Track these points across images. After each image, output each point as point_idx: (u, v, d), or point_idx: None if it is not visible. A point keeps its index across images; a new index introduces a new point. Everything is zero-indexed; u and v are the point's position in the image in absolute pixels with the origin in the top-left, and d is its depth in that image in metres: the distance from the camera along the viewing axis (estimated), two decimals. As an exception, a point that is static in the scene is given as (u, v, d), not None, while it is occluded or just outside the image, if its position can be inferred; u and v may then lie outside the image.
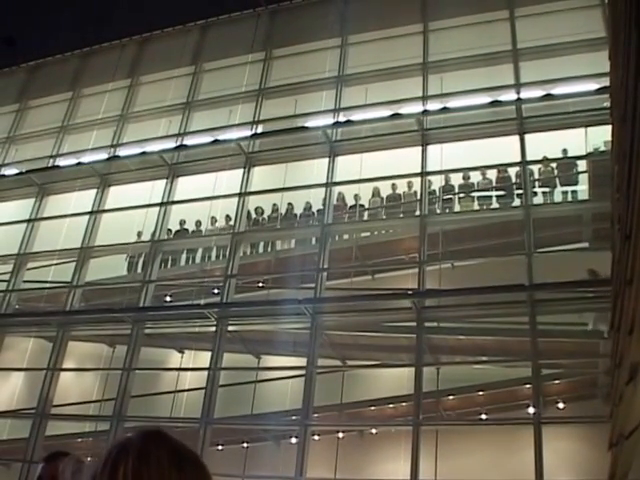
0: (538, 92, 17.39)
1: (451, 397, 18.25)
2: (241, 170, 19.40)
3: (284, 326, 17.65)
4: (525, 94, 17.31)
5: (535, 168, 17.62)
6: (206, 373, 16.87)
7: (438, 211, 18.37)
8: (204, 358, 17.97)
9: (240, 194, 19.00)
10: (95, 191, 21.29)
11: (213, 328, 17.42)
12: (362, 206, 19.50)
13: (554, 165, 17.95)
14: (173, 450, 1.73)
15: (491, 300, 15.19)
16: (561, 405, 17.16)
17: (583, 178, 17.06)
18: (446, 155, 17.46)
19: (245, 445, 19.35)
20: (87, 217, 20.72)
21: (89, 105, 23.69)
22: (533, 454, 13.31)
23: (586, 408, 16.94)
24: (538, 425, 13.72)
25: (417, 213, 17.63)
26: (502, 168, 18.02)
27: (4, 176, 23.26)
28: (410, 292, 16.21)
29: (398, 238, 19.48)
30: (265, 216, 20.73)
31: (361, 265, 19.43)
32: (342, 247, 19.39)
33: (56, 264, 20.89)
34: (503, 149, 17.32)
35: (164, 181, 20.30)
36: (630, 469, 8.58)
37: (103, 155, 21.79)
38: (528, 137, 16.79)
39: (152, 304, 18.88)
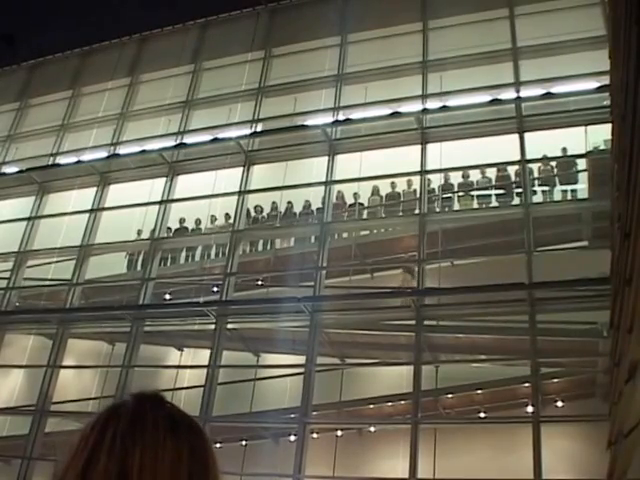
0: (538, 90, 17.39)
1: (450, 395, 18.25)
2: (240, 168, 19.40)
3: (283, 324, 17.63)
4: (525, 92, 17.31)
5: (535, 167, 17.63)
6: (205, 371, 16.88)
7: (437, 209, 18.38)
8: (203, 356, 18.01)
9: (239, 192, 19.01)
10: (95, 189, 21.30)
11: (212, 326, 17.43)
12: (361, 204, 19.50)
13: (554, 164, 17.97)
14: (170, 414, 1.63)
15: (490, 298, 15.20)
16: (560, 404, 17.19)
17: (583, 177, 17.04)
18: (445, 153, 17.46)
19: (244, 443, 19.36)
20: (87, 215, 20.72)
21: (89, 103, 23.70)
22: (532, 453, 13.33)
23: (585, 407, 16.95)
24: (537, 424, 13.74)
25: (416, 211, 17.62)
26: (502, 167, 18.03)
27: (4, 174, 23.30)
28: (409, 290, 16.24)
29: (397, 236, 19.51)
30: (264, 214, 20.75)
31: (360, 263, 19.44)
32: (341, 245, 19.41)
33: (56, 262, 20.91)
34: (503, 147, 17.31)
35: (164, 179, 20.31)
36: (629, 467, 8.60)
37: (103, 153, 21.80)
38: (528, 135, 16.78)
39: (151, 302, 18.90)
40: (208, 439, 1.67)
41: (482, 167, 18.15)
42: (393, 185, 19.20)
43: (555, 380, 17.52)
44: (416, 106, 18.35)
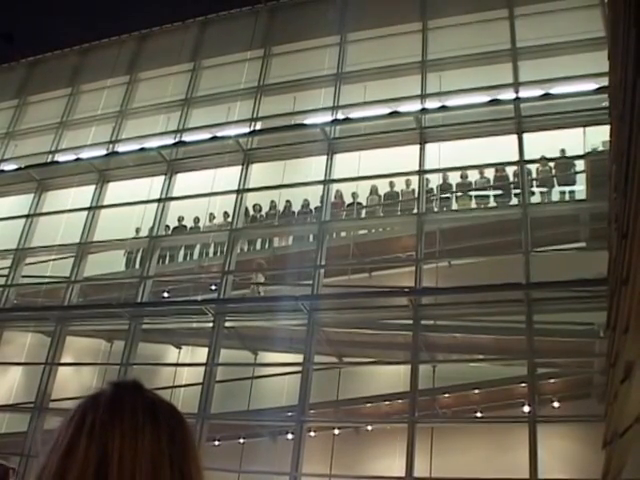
0: (537, 91, 17.42)
1: (447, 395, 18.29)
2: (239, 167, 19.41)
3: (281, 322, 17.66)
4: (524, 93, 17.33)
5: (533, 167, 17.64)
6: (203, 369, 16.89)
7: (435, 209, 18.39)
8: (201, 354, 18.01)
9: (238, 191, 19.01)
10: (94, 187, 21.30)
11: (210, 324, 17.45)
12: (360, 204, 19.52)
13: (552, 164, 17.99)
14: (148, 400, 1.63)
15: (488, 298, 15.23)
16: (556, 404, 17.21)
17: (581, 178, 17.08)
18: (444, 153, 17.48)
19: (241, 441, 19.38)
20: (86, 213, 20.71)
21: (88, 101, 23.68)
22: (528, 452, 13.37)
23: (581, 407, 16.98)
24: (533, 423, 13.78)
25: (415, 211, 17.64)
26: (500, 167, 18.04)
27: (3, 171, 23.26)
28: (407, 290, 16.26)
29: (395, 236, 19.53)
30: (263, 213, 20.75)
31: (358, 262, 19.47)
32: (339, 244, 19.44)
33: (54, 259, 20.90)
34: (501, 148, 17.35)
35: (162, 177, 20.31)
36: (624, 467, 8.64)
37: (102, 151, 21.78)
38: (526, 136, 16.80)
39: (150, 300, 18.89)
40: (188, 424, 1.67)
41: (480, 167, 18.17)
42: (391, 185, 19.22)
43: (552, 380, 17.58)
44: (415, 106, 18.37)
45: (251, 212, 20.51)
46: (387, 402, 18.37)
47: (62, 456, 1.50)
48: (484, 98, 17.67)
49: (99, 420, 1.53)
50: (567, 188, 17.60)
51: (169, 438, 1.57)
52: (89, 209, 20.79)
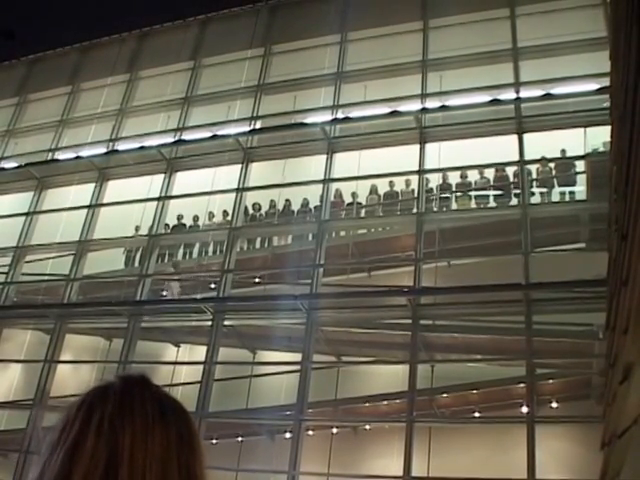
0: (537, 91, 17.40)
1: (445, 395, 18.29)
2: (239, 166, 19.40)
3: (280, 321, 17.66)
4: (524, 93, 17.32)
5: (533, 168, 17.63)
6: (202, 367, 16.90)
7: (435, 209, 18.38)
8: (200, 352, 18.01)
9: (238, 190, 19.01)
10: (93, 185, 21.29)
11: (209, 322, 17.45)
12: (359, 203, 19.52)
13: (552, 165, 17.98)
14: (157, 397, 1.59)
15: (487, 299, 15.23)
16: (555, 404, 17.21)
17: (581, 179, 17.07)
18: (444, 153, 17.47)
19: (240, 439, 19.38)
20: (85, 211, 20.71)
21: (88, 99, 23.66)
22: (526, 453, 13.36)
23: (579, 408, 17.00)
24: (531, 424, 13.77)
25: (414, 211, 17.64)
26: (500, 167, 18.03)
27: (3, 169, 23.24)
28: (406, 289, 16.25)
29: (395, 235, 19.52)
30: (262, 212, 20.75)
31: (357, 262, 19.46)
32: (339, 244, 19.43)
33: (54, 257, 20.93)
34: (501, 148, 17.32)
35: (162, 176, 20.29)
36: (622, 468, 8.63)
37: (102, 149, 21.78)
38: (527, 136, 16.79)
39: (149, 298, 18.91)
40: (194, 423, 1.64)
41: (480, 167, 18.16)
42: (391, 184, 19.22)
43: (550, 381, 17.55)
44: (415, 105, 18.35)
45: (250, 211, 20.51)
46: (385, 402, 18.36)
47: (68, 452, 1.45)
48: (485, 98, 17.65)
49: (108, 416, 1.49)
50: (567, 189, 17.59)
51: (177, 436, 1.55)
52: (89, 207, 20.78)
